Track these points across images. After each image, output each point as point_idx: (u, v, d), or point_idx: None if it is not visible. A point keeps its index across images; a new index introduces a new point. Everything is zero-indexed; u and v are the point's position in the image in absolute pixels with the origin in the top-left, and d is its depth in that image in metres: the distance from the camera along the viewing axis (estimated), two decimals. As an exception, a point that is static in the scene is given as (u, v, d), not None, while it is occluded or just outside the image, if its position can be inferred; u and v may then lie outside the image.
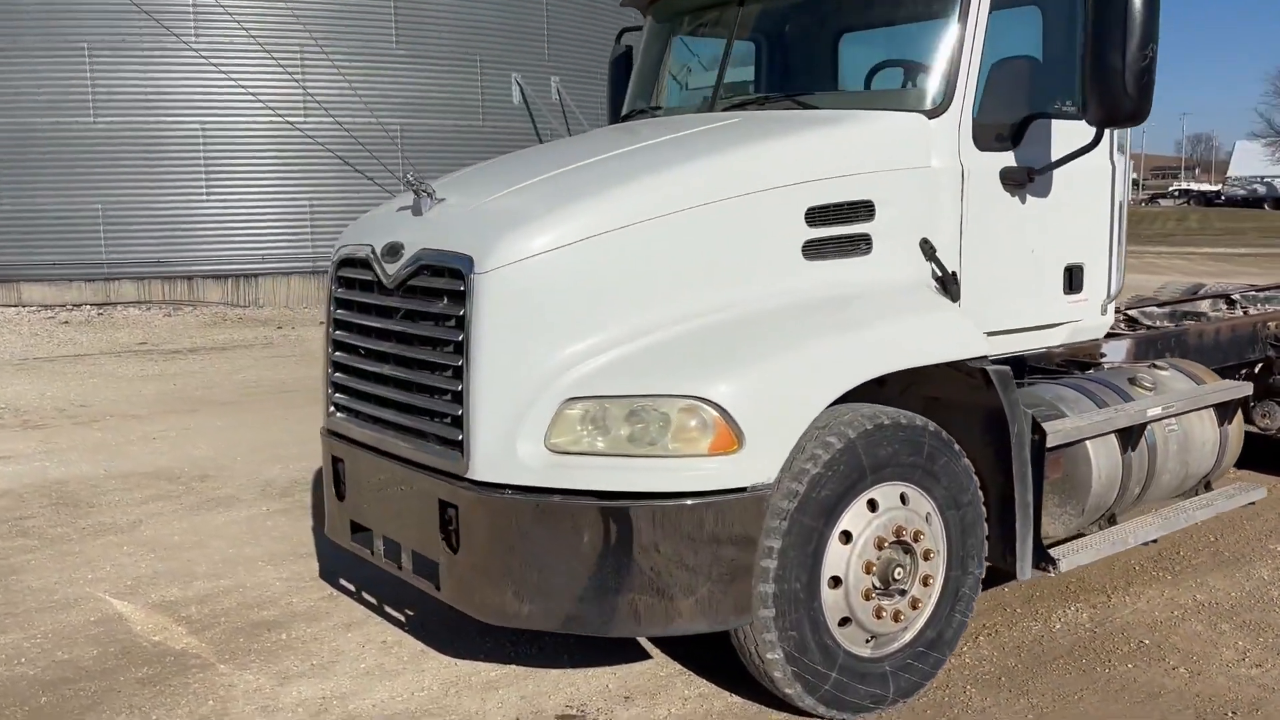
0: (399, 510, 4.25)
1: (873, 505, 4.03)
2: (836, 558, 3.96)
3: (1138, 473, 5.10)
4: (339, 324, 4.59)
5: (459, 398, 3.90)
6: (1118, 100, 4.17)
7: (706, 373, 3.72)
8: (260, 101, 17.69)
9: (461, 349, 3.89)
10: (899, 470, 4.07)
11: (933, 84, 4.51)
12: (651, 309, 3.93)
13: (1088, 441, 4.72)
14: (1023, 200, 4.70)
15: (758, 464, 3.72)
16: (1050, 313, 4.94)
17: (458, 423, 3.91)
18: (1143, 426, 5.00)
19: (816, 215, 4.19)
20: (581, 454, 3.75)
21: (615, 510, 3.67)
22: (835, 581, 3.97)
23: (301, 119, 17.99)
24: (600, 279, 3.89)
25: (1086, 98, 4.28)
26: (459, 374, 3.90)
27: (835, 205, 4.23)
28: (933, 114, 4.45)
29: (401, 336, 4.20)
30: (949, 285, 4.43)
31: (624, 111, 5.76)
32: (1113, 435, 4.88)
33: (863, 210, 4.29)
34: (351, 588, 5.60)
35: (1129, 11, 4.09)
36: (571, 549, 3.72)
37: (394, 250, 4.20)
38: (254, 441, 8.94)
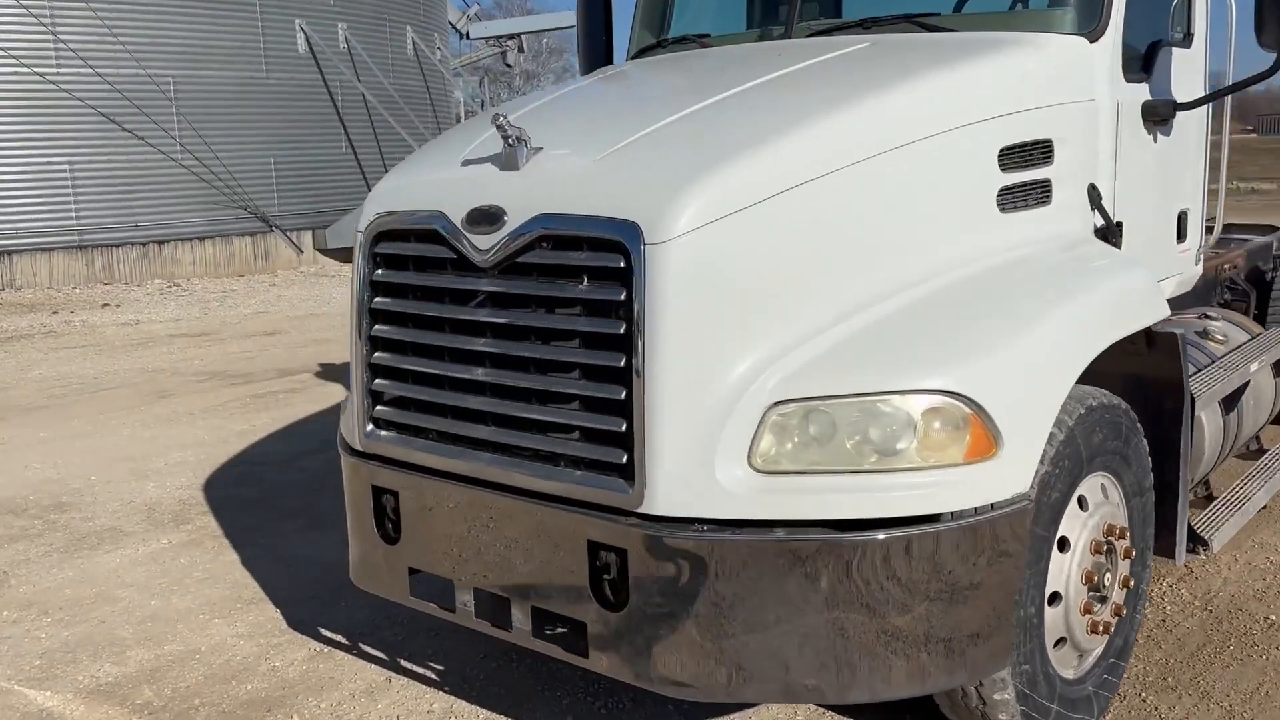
0: (506, 556, 3.26)
1: (1082, 503, 3.41)
2: (1056, 570, 3.31)
3: (1231, 433, 4.73)
4: (384, 316, 3.51)
5: (623, 408, 2.97)
6: None
7: (948, 359, 2.96)
8: (1, 50, 15.25)
9: (625, 344, 2.95)
10: (1105, 459, 3.46)
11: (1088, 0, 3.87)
12: (853, 281, 3.13)
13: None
14: (1155, 139, 4.16)
15: (1016, 470, 3.00)
16: (1169, 264, 4.45)
17: (621, 441, 2.98)
18: (1245, 385, 4.62)
19: (1008, 156, 3.49)
20: (800, 473, 2.91)
21: (856, 544, 2.85)
22: (1054, 598, 3.33)
23: (54, 70, 15.65)
24: (797, 246, 3.05)
25: (1265, 19, 3.76)
26: (621, 377, 2.96)
27: (1024, 145, 3.55)
28: (1092, 37, 3.83)
29: (507, 331, 3.20)
30: (1112, 237, 3.83)
31: (636, 48, 4.83)
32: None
33: (1044, 151, 3.63)
34: (342, 639, 4.50)
35: None
36: (800, 598, 2.88)
37: (489, 216, 3.18)
38: (101, 455, 7.42)
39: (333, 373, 9.75)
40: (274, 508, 6.18)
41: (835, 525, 2.88)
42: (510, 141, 3.22)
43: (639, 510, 2.96)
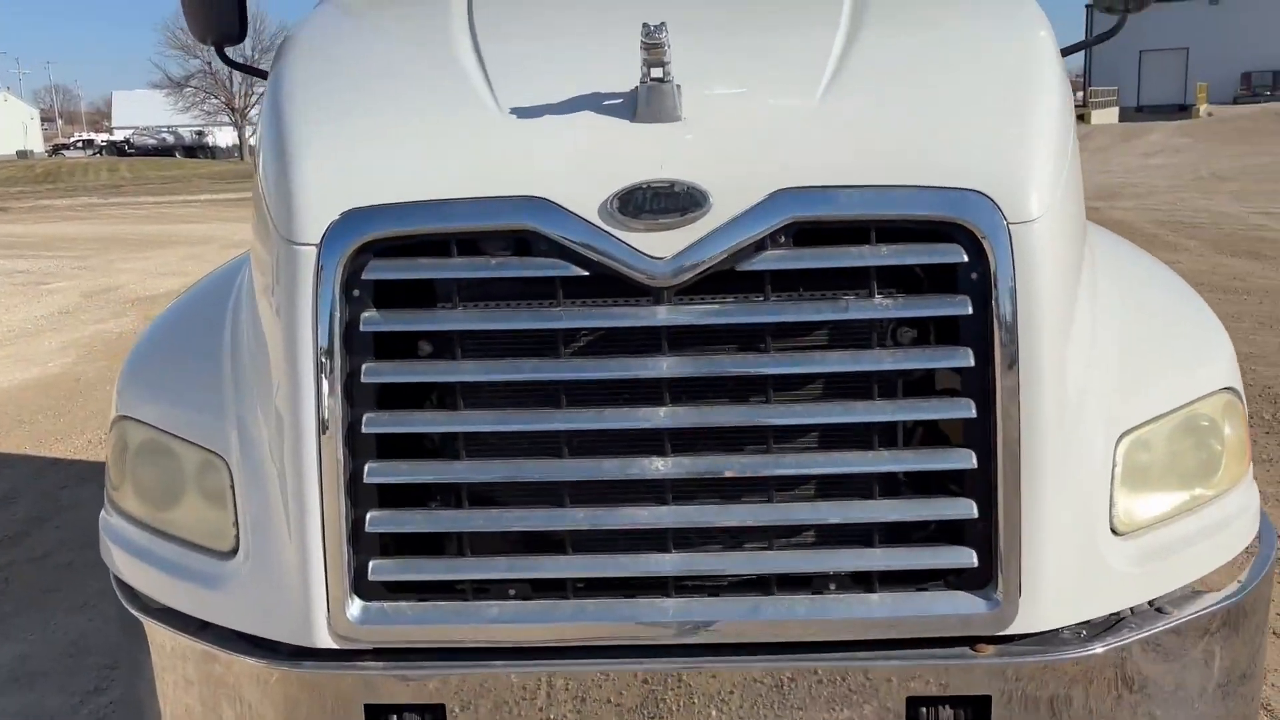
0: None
1: None
2: None
3: None
4: (395, 394, 1.93)
5: (973, 482, 1.92)
6: None
7: None
8: None
9: (975, 384, 1.90)
10: None
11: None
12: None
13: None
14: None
15: None
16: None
17: (973, 532, 1.93)
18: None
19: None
20: (1160, 524, 2.14)
21: (1255, 600, 2.18)
22: None
23: None
24: (1076, 227, 2.22)
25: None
26: (972, 435, 1.91)
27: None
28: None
29: (711, 386, 1.91)
30: None
31: None
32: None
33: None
34: None
35: None
36: (1198, 687, 2.12)
37: (672, 200, 1.85)
38: None
39: None
40: None
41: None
42: (656, 73, 1.89)
43: (1009, 631, 1.94)
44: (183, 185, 42.50)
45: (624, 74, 1.96)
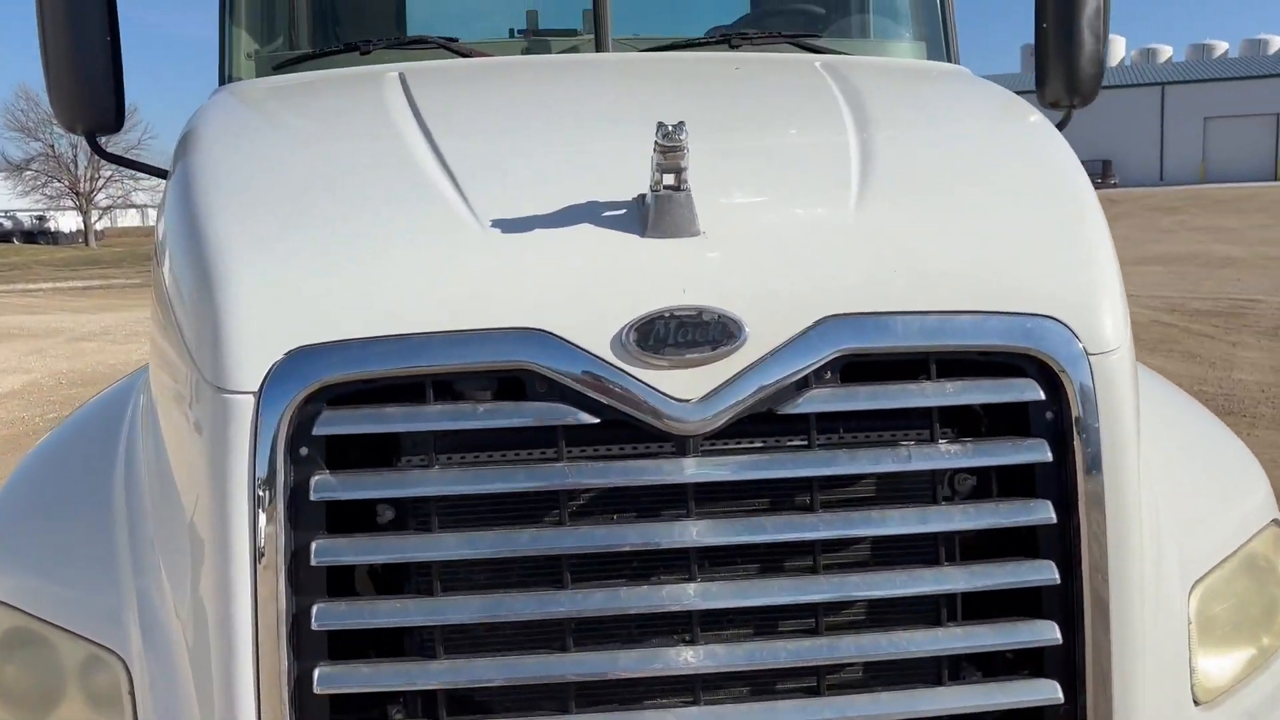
0: None
1: None
2: None
3: None
4: (345, 574, 1.54)
5: (1054, 663, 1.62)
6: None
7: None
8: None
9: (1059, 543, 1.61)
10: None
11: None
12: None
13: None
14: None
15: None
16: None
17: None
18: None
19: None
20: (1235, 690, 1.87)
21: None
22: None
23: None
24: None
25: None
26: (1058, 606, 1.61)
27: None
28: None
29: (744, 554, 1.59)
30: None
31: (275, 60, 2.94)
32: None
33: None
34: None
35: None
36: None
37: (699, 331, 1.52)
38: None
39: None
40: None
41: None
42: (670, 180, 1.57)
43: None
44: (22, 273, 40.36)
45: (619, 178, 1.64)
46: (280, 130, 2.19)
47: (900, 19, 3.25)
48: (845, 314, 1.57)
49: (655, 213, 1.58)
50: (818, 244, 1.64)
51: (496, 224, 1.61)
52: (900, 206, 1.73)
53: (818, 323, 1.56)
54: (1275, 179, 56.74)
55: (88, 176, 57.55)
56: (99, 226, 61.05)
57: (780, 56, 2.75)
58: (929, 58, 3.05)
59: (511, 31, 3.07)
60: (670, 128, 1.53)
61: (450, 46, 2.66)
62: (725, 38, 2.83)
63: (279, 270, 1.59)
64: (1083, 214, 1.78)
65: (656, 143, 1.53)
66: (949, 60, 3.06)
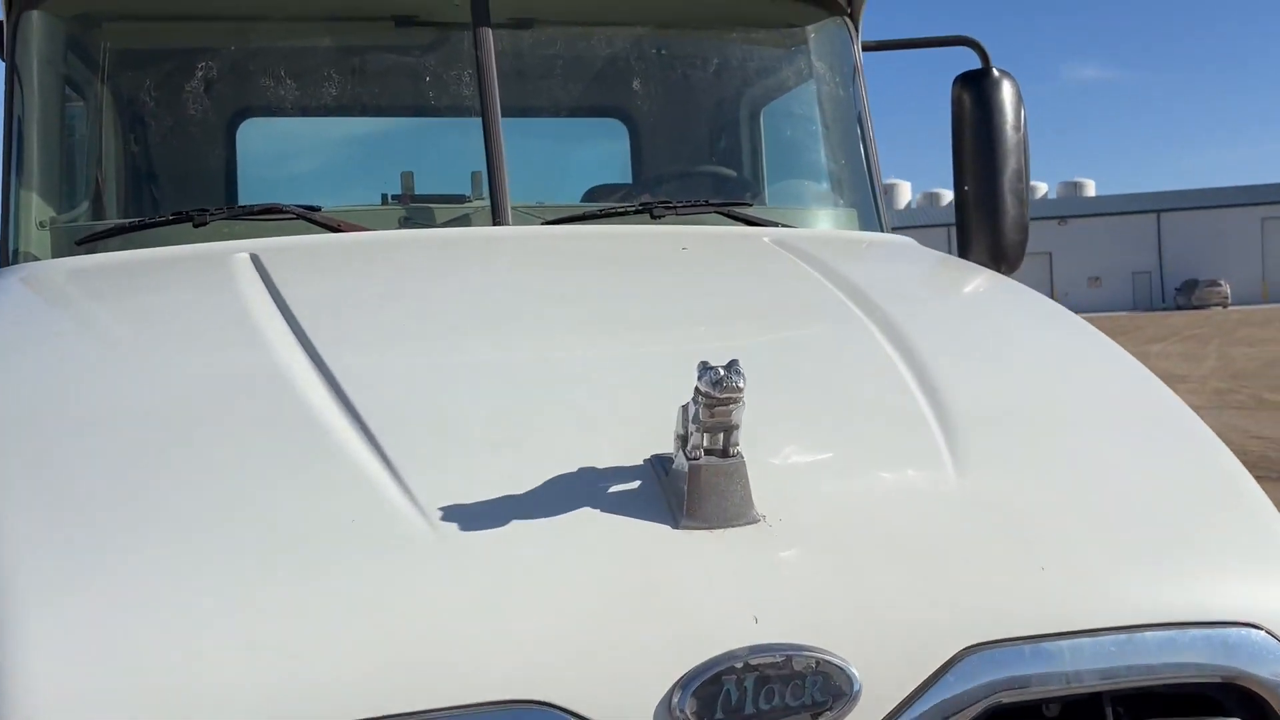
0: None
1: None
2: None
3: None
4: None
5: None
6: None
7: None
8: None
9: None
10: None
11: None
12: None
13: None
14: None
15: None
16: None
17: None
18: None
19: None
20: None
21: None
22: None
23: None
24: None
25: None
26: None
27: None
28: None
29: None
30: None
31: (75, 236, 2.27)
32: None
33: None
34: None
35: None
36: None
37: (780, 684, 0.99)
38: None
39: None
40: None
41: None
42: (720, 445, 1.06)
43: None
44: None
45: (610, 425, 1.13)
46: (90, 348, 1.56)
47: (827, 182, 2.93)
48: (989, 642, 1.07)
49: (696, 491, 1.05)
50: (936, 534, 1.14)
51: (451, 524, 1.04)
52: (1013, 478, 1.26)
53: (956, 657, 1.05)
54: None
55: None
56: None
57: (716, 231, 2.35)
58: (861, 225, 2.73)
59: (384, 197, 2.55)
60: (723, 370, 1.03)
61: (312, 218, 2.12)
62: (646, 206, 2.40)
63: (97, 629, 0.96)
64: (1233, 464, 1.36)
65: (700, 391, 1.03)
66: (880, 226, 2.74)
